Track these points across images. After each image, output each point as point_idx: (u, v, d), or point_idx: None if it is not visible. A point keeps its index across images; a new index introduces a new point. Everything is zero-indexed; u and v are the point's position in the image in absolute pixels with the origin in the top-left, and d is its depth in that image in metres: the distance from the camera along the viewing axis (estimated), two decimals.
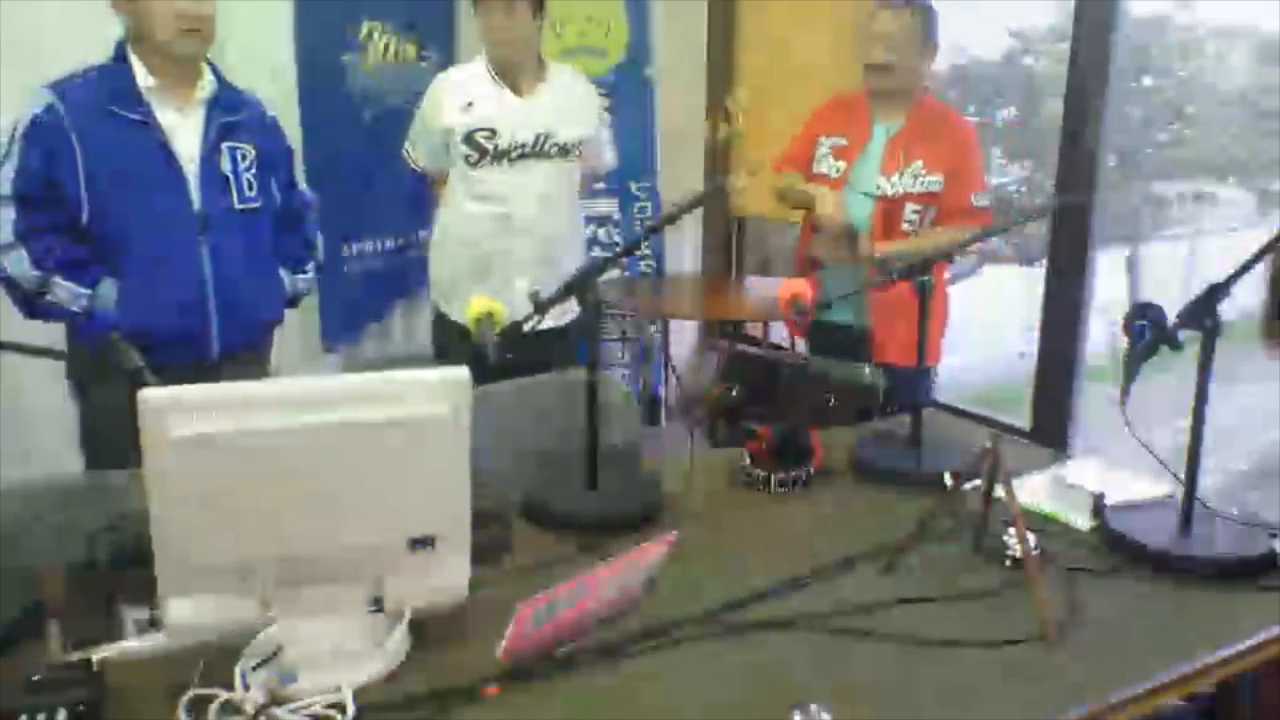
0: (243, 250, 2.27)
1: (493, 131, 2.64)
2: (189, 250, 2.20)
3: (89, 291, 2.13)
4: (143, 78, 2.16)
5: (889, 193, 2.66)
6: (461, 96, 2.66)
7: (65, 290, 2.11)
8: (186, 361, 2.12)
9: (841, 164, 2.70)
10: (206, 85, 2.24)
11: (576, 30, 3.86)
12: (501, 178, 2.66)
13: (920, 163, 2.65)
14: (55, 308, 2.12)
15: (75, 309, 2.12)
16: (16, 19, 2.76)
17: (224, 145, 2.25)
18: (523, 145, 2.66)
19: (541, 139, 2.67)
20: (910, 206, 2.66)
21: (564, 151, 2.72)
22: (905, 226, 2.67)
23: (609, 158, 3.01)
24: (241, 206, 2.27)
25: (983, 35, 4.17)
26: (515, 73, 2.67)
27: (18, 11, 2.75)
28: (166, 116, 2.18)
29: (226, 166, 2.25)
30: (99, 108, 2.12)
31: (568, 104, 2.74)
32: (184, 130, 2.20)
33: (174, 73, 2.19)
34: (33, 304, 2.12)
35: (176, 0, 2.13)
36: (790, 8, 3.88)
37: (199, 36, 2.18)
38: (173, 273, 2.19)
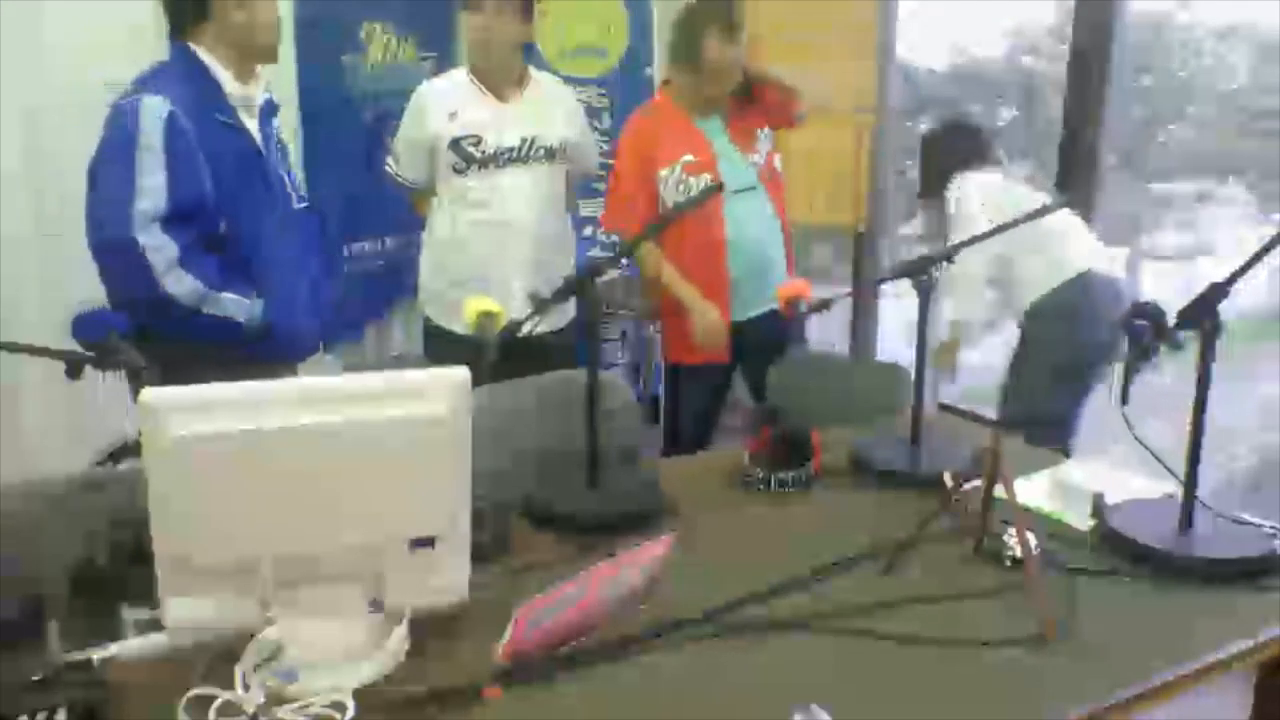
0: (313, 248, 2.40)
1: (479, 139, 2.64)
2: (292, 251, 2.28)
3: (250, 300, 2.16)
4: (228, 82, 2.17)
5: (760, 161, 2.77)
6: (445, 105, 2.65)
7: (231, 303, 2.13)
8: (303, 357, 2.27)
9: (706, 175, 2.67)
10: (266, 89, 2.28)
11: (576, 30, 3.86)
12: (490, 184, 2.66)
13: (756, 130, 2.78)
14: (216, 321, 2.11)
15: (240, 319, 2.14)
16: (18, 19, 2.76)
17: (274, 147, 2.31)
18: (509, 150, 2.66)
19: (527, 144, 2.68)
20: (775, 158, 2.83)
21: (550, 155, 2.72)
22: (780, 178, 2.85)
23: (592, 161, 3.02)
24: (299, 206, 2.36)
25: (983, 35, 4.17)
26: (498, 79, 2.67)
27: (19, 12, 2.76)
28: (244, 120, 2.22)
29: (282, 168, 2.32)
30: (202, 113, 2.10)
31: (550, 108, 2.74)
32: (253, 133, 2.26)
33: (244, 77, 2.22)
34: (188, 323, 2.08)
35: (274, 7, 2.19)
36: (790, 8, 3.88)
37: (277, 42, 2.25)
38: (290, 274, 2.27)
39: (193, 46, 2.16)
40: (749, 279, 2.77)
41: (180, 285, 2.05)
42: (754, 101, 2.78)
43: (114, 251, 2.04)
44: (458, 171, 2.66)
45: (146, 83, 2.11)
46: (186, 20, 2.16)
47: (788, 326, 2.73)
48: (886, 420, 2.17)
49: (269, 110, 2.34)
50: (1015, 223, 2.14)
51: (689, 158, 2.69)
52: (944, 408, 3.23)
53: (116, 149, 2.04)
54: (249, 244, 2.18)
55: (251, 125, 2.24)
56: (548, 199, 2.75)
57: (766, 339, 2.77)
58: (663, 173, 2.71)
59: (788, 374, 2.69)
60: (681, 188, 2.69)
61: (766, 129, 2.80)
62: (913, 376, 2.03)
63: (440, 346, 2.78)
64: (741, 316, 2.79)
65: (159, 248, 2.02)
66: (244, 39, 2.18)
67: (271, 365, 2.09)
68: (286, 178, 2.34)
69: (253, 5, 2.17)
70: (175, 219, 2.04)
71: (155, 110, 2.03)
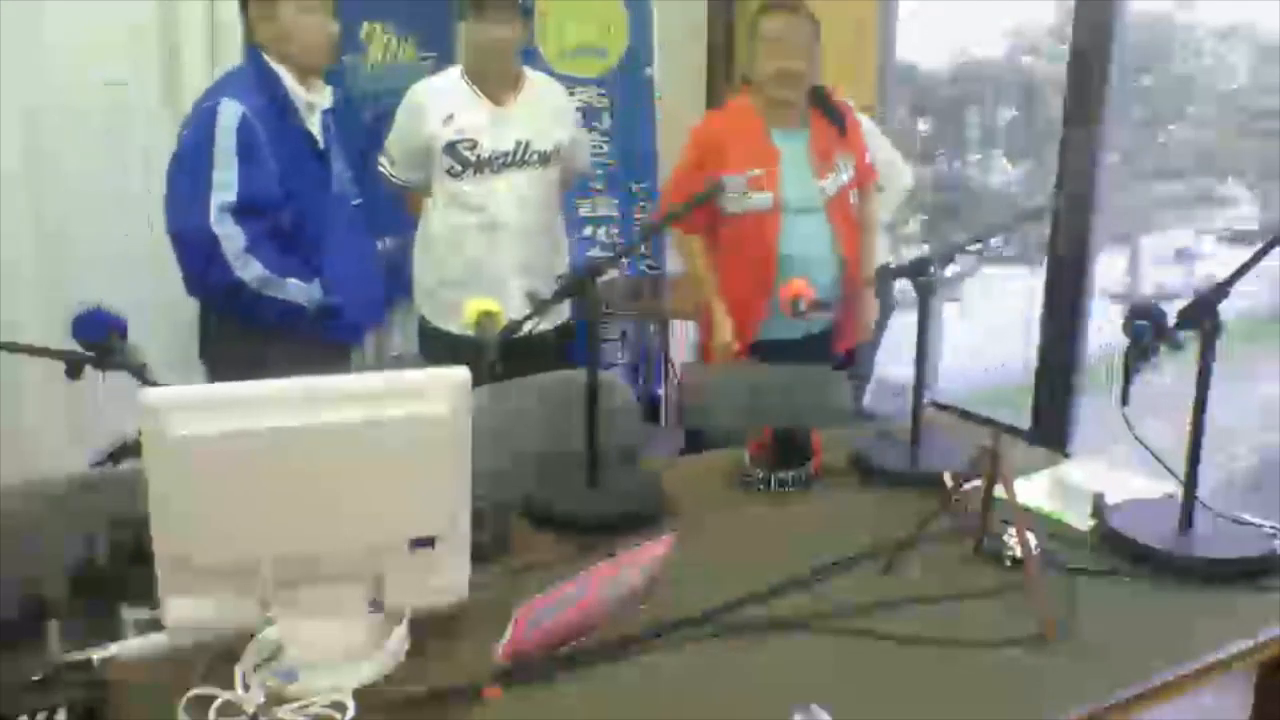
0: (366, 241, 2.63)
1: (474, 142, 2.64)
2: (350, 240, 2.51)
3: (310, 285, 2.36)
4: (292, 86, 2.36)
5: (833, 192, 2.71)
6: (441, 108, 2.64)
7: (294, 288, 2.34)
8: (362, 337, 2.59)
9: (769, 194, 2.63)
10: (329, 95, 2.47)
11: (576, 30, 3.86)
12: (485, 188, 2.66)
13: (839, 157, 2.73)
14: (280, 305, 2.31)
15: (302, 303, 2.35)
16: (18, 19, 2.76)
17: (334, 146, 2.50)
18: (504, 155, 2.66)
19: (521, 147, 2.68)
20: (850, 192, 2.77)
21: (544, 159, 2.72)
22: (851, 212, 2.79)
23: (585, 160, 3.04)
24: (355, 202, 2.58)
25: (983, 35, 4.17)
26: (495, 84, 2.67)
27: (19, 12, 2.76)
28: (306, 121, 2.41)
29: (341, 168, 2.52)
30: (271, 117, 2.29)
31: (545, 111, 2.75)
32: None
33: (304, 81, 2.40)
34: (254, 308, 2.29)
35: (311, 21, 2.34)
36: None
37: (330, 53, 2.44)
38: (349, 261, 2.48)
39: (262, 53, 2.36)
40: None
41: (248, 271, 2.25)
42: (841, 127, 2.75)
43: (192, 240, 2.25)
44: (453, 175, 2.66)
45: (223, 88, 2.32)
46: (248, 30, 2.40)
47: (824, 352, 2.74)
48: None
49: (331, 112, 2.51)
50: (1014, 223, 2.14)
51: (755, 172, 2.59)
52: (939, 407, 3.23)
53: (196, 148, 2.24)
54: (311, 234, 2.38)
55: (314, 126, 2.42)
56: (542, 201, 2.76)
57: (801, 361, 2.72)
58: (725, 178, 2.56)
59: (707, 379, 2.69)
60: (743, 198, 2.60)
61: (851, 158, 2.75)
62: (912, 380, 2.03)
63: (435, 346, 2.78)
64: (778, 335, 2.71)
65: (230, 236, 2.24)
66: (281, 50, 2.35)
67: (334, 345, 2.40)
68: (344, 174, 2.54)
69: (281, 20, 2.33)
70: (245, 211, 2.25)
71: (230, 113, 2.24)
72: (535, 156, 2.71)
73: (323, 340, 2.44)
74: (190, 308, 3.10)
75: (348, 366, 2.65)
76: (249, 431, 1.17)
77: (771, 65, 2.62)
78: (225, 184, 2.21)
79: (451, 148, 2.64)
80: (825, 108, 2.75)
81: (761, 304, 2.70)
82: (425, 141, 2.65)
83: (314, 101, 2.42)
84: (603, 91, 3.87)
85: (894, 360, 3.38)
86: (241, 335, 2.36)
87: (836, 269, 2.71)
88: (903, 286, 2.01)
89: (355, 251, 2.57)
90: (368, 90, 3.47)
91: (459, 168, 2.65)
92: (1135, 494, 1.75)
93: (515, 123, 2.68)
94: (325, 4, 2.39)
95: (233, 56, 3.00)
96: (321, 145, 2.45)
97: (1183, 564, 1.55)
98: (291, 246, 2.35)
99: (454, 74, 2.71)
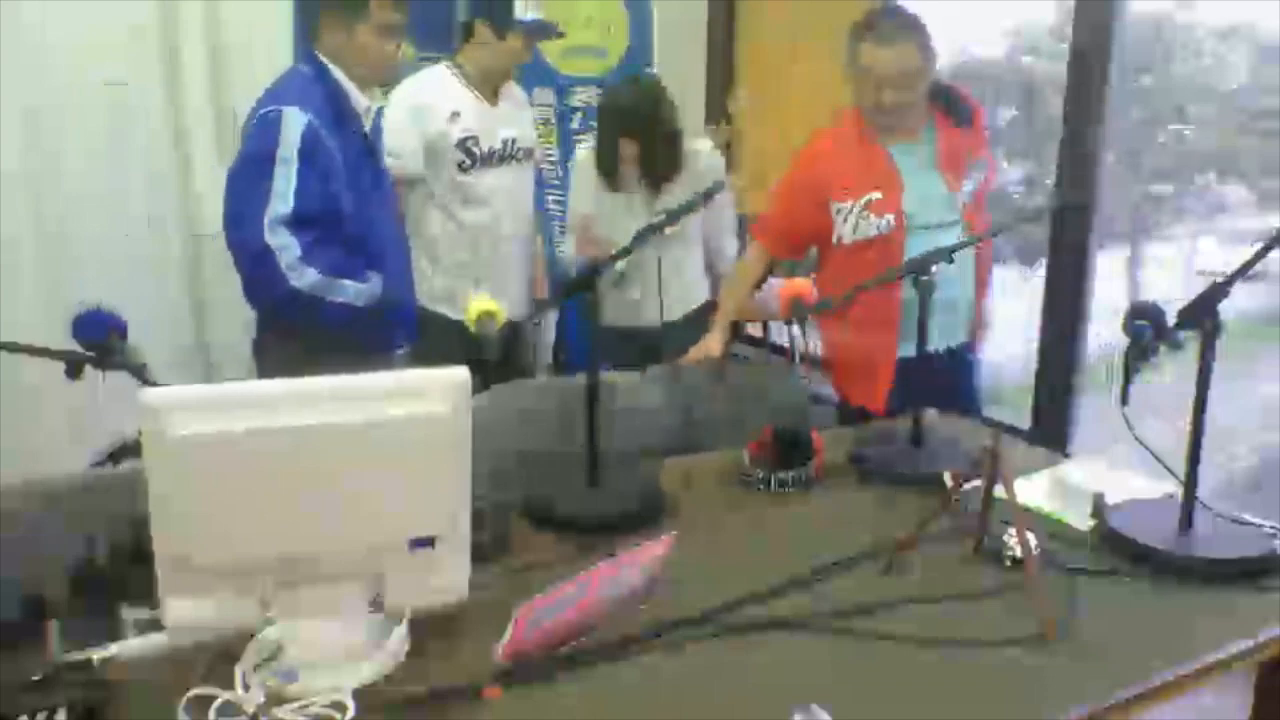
0: (402, 243, 2.64)
1: (476, 139, 2.79)
2: (397, 242, 2.55)
3: (367, 285, 2.32)
4: (355, 96, 2.35)
5: (969, 199, 2.41)
6: (446, 106, 2.77)
7: (352, 289, 2.29)
8: (405, 343, 2.56)
9: (890, 216, 2.33)
10: (380, 92, 2.51)
11: (576, 30, 3.86)
12: (485, 183, 2.82)
13: (971, 157, 2.42)
14: (338, 308, 2.27)
15: (360, 304, 2.30)
16: (18, 19, 2.76)
17: (381, 149, 2.55)
18: (498, 151, 2.84)
19: (509, 144, 2.86)
20: (992, 181, 2.52)
21: (528, 155, 2.94)
22: (985, 213, 2.51)
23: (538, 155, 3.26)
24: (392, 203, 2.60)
25: (983, 35, 4.17)
26: (494, 86, 2.84)
27: (19, 12, 2.76)
28: (365, 126, 2.42)
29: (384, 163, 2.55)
30: (335, 123, 2.27)
31: (522, 111, 2.98)
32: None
33: (363, 88, 2.39)
34: (311, 313, 2.25)
35: (377, 43, 2.31)
36: (791, 7, 3.89)
37: (391, 75, 2.46)
38: (401, 266, 2.49)
39: (322, 57, 2.32)
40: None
41: (303, 279, 2.20)
42: (969, 123, 2.43)
43: (247, 251, 2.20)
44: (462, 169, 2.78)
45: (285, 93, 2.26)
46: (312, 34, 2.37)
47: (956, 371, 2.50)
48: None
49: (381, 109, 2.55)
50: (1014, 223, 2.12)
51: (874, 196, 2.33)
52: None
53: (258, 158, 2.20)
54: (369, 235, 2.36)
55: (368, 127, 2.43)
56: (526, 195, 2.97)
57: (932, 383, 2.33)
58: (838, 205, 2.38)
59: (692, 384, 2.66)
60: (861, 225, 2.35)
61: (984, 157, 2.46)
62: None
63: (432, 329, 2.77)
64: (907, 353, 2.35)
65: (285, 247, 2.18)
66: (344, 63, 2.32)
67: (382, 355, 2.36)
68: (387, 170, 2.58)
69: (356, 37, 2.30)
70: (302, 220, 2.20)
71: (294, 122, 2.19)
72: (521, 153, 2.91)
73: (367, 349, 2.29)
74: (189, 307, 3.11)
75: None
76: (249, 431, 1.17)
77: (873, 98, 2.31)
78: (282, 195, 2.17)
79: (462, 144, 2.77)
80: (949, 104, 2.41)
81: (890, 332, 2.39)
82: (434, 137, 2.76)
83: (370, 106, 2.43)
84: (602, 92, 3.86)
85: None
86: (297, 338, 2.29)
87: (971, 281, 2.46)
88: None
89: (402, 248, 2.62)
90: None
91: (468, 162, 2.79)
92: (1135, 494, 1.75)
93: (503, 121, 2.86)
94: (399, 30, 2.37)
95: (233, 56, 3.01)
96: (374, 146, 2.48)
97: (1183, 564, 1.55)
98: (350, 250, 2.32)
99: (440, 73, 2.83)
